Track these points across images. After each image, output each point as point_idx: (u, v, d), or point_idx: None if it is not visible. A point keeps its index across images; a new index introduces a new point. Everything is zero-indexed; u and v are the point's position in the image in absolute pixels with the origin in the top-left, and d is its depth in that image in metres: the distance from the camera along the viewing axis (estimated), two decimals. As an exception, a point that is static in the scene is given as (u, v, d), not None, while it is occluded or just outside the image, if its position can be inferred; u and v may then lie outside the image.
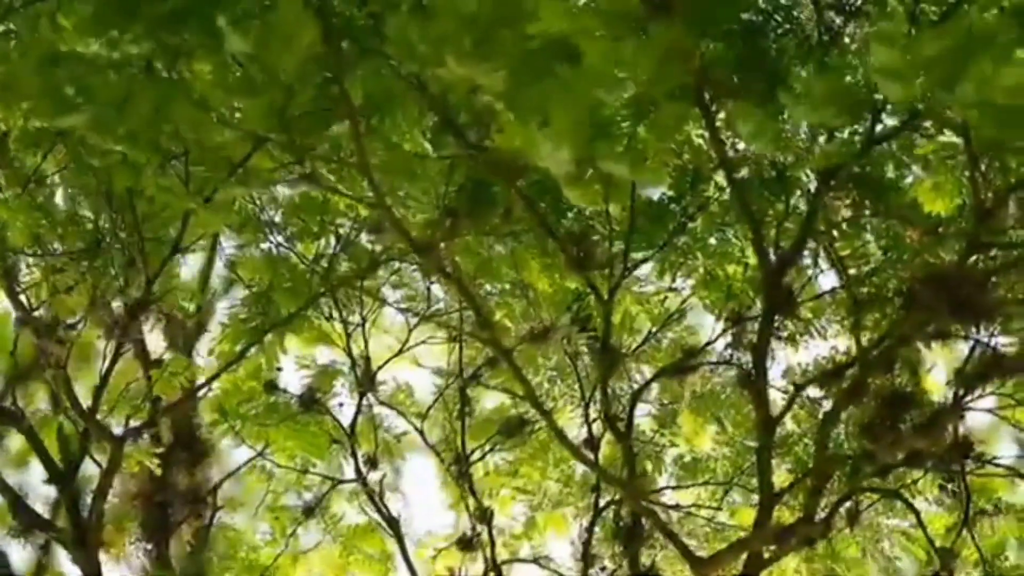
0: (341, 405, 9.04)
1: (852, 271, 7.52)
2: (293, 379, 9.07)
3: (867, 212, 7.29)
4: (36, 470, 8.85)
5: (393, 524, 8.93)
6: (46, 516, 8.73)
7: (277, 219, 8.55)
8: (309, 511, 9.42)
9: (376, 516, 9.07)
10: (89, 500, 8.49)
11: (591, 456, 8.28)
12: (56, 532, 8.51)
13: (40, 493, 8.93)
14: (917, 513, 7.68)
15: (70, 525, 8.39)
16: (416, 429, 9.04)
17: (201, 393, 9.01)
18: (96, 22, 4.13)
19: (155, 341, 9.40)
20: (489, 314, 8.24)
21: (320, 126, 6.06)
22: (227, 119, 4.90)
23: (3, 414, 8.55)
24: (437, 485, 9.34)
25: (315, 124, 6.12)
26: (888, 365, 7.13)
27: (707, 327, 8.36)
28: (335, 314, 8.77)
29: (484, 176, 7.34)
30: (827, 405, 7.57)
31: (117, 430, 8.68)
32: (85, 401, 8.53)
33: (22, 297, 8.42)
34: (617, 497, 8.30)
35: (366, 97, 6.44)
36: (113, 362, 8.43)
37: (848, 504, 7.70)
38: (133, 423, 8.70)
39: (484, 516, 8.70)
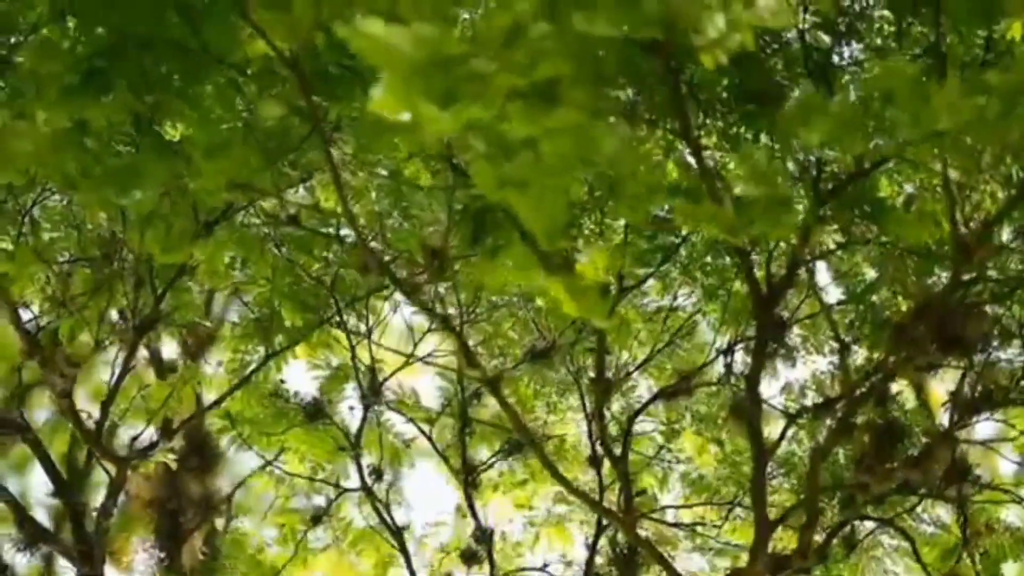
0: (352, 409, 9.06)
1: (843, 294, 7.51)
2: (305, 381, 9.13)
3: (859, 236, 7.24)
4: (42, 478, 8.89)
5: (397, 534, 8.96)
6: (51, 525, 8.79)
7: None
8: (317, 519, 9.46)
9: (381, 524, 9.11)
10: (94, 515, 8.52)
11: (594, 472, 8.31)
12: (61, 546, 8.54)
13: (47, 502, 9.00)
14: (912, 541, 7.67)
15: (74, 540, 8.41)
16: (424, 435, 9.06)
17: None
18: (70, 95, 4.15)
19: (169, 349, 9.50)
20: (490, 335, 8.28)
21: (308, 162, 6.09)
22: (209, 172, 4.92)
23: (8, 425, 8.55)
24: (446, 490, 9.40)
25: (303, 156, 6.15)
26: (880, 398, 7.10)
27: (708, 339, 8.38)
28: (342, 323, 8.77)
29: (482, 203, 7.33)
30: (822, 433, 7.55)
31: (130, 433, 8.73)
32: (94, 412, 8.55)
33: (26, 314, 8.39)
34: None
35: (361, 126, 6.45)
36: (120, 379, 8.45)
37: (845, 532, 7.69)
38: (142, 438, 8.72)
39: (484, 535, 8.72)
